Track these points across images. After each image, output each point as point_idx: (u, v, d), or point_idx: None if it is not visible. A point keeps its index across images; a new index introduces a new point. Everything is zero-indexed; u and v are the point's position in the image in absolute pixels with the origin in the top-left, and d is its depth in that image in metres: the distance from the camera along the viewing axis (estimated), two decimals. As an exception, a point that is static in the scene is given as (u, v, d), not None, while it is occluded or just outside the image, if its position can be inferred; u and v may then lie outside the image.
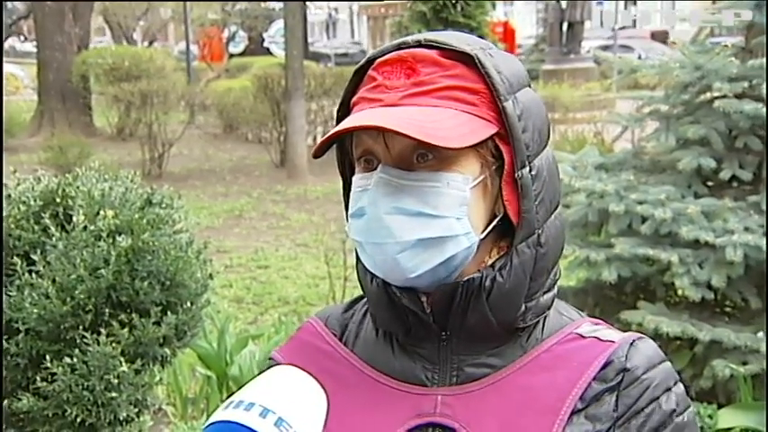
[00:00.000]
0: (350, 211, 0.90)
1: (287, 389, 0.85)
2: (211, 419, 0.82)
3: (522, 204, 0.88)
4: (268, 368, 1.01)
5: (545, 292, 0.92)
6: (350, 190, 0.94)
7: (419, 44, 0.90)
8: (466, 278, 0.88)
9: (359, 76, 0.93)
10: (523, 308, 0.90)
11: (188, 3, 20.04)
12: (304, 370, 0.90)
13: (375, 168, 0.88)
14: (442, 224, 0.86)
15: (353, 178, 0.91)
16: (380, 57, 0.91)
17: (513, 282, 0.88)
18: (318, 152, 0.88)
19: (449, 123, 0.84)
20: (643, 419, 0.88)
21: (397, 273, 0.87)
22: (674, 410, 0.90)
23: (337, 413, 0.89)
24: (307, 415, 0.84)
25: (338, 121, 0.93)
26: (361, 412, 0.90)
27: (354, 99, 0.92)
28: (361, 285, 0.96)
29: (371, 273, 0.91)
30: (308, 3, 25.75)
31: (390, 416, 0.90)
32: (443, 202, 0.85)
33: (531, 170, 0.88)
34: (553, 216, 0.91)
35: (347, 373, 0.94)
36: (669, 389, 0.90)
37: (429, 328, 0.91)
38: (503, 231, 0.91)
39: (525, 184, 0.88)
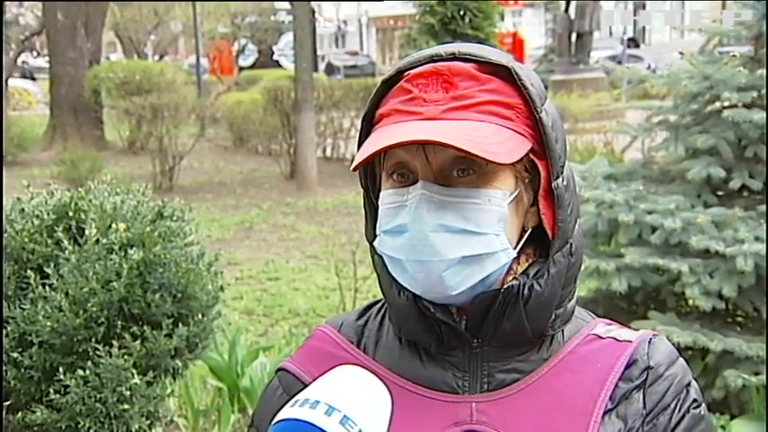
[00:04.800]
0: (384, 228, 0.88)
1: (352, 387, 0.85)
2: (278, 417, 0.81)
3: (558, 215, 0.89)
4: (276, 379, 1.01)
5: (570, 300, 0.94)
6: (371, 200, 0.93)
7: (453, 56, 0.88)
8: (506, 286, 0.88)
9: (386, 87, 0.91)
10: (553, 315, 0.92)
11: (198, 17, 20.18)
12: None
13: (410, 183, 0.87)
14: (484, 241, 0.86)
15: (384, 193, 0.89)
16: (411, 68, 0.89)
17: (550, 290, 0.90)
18: (359, 167, 0.86)
19: (494, 138, 0.84)
20: (669, 415, 0.91)
21: (440, 290, 0.86)
22: (695, 403, 0.93)
23: None
24: (372, 413, 0.83)
25: (363, 132, 0.91)
26: (395, 421, 0.87)
27: (383, 110, 0.89)
28: (386, 298, 0.95)
29: (399, 286, 0.90)
30: (317, 15, 25.87)
31: (427, 424, 0.90)
32: (484, 219, 0.86)
33: (563, 180, 0.90)
34: (577, 225, 0.93)
35: None
36: (690, 383, 0.93)
37: (461, 336, 0.91)
38: (528, 240, 0.92)
39: (560, 194, 0.89)
